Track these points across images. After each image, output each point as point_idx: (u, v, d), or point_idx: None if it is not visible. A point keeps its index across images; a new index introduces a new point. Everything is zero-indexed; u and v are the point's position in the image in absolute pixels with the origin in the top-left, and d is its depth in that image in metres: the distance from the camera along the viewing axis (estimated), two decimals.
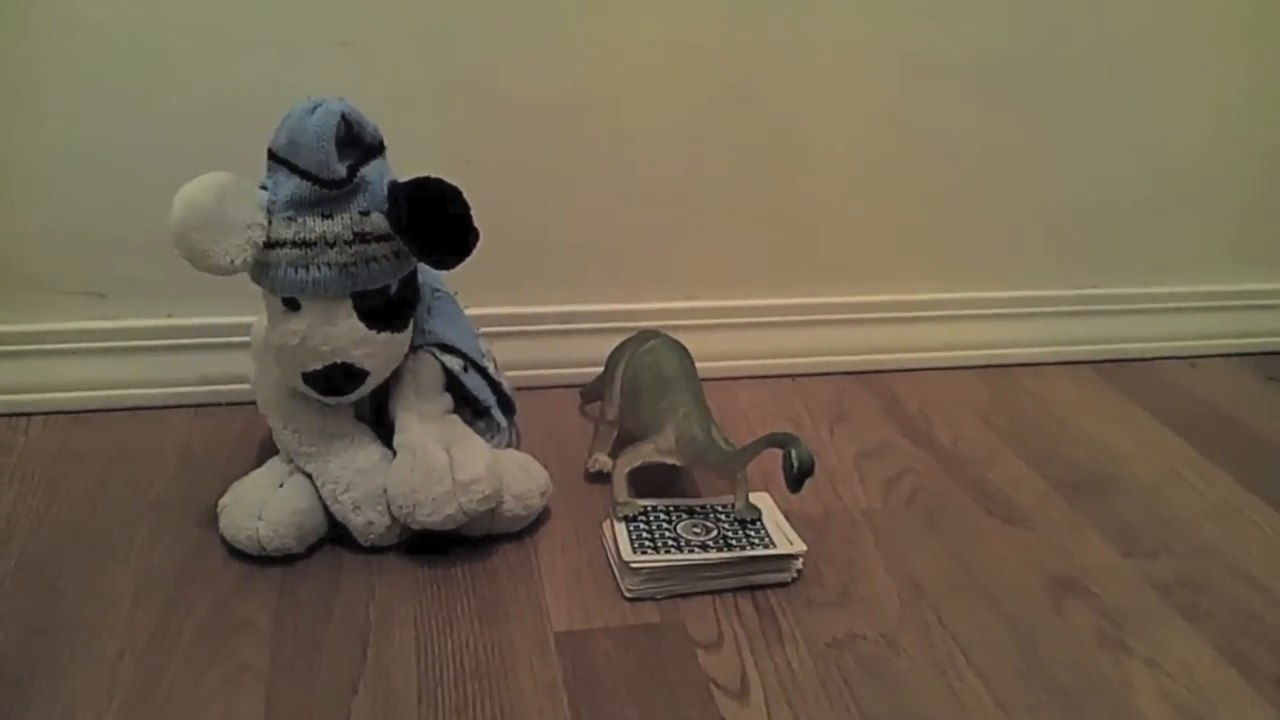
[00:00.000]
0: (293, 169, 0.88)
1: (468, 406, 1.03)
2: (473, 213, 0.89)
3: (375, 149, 0.91)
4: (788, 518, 1.02)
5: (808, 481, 0.90)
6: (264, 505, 0.95)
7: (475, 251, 0.90)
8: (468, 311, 1.08)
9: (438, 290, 1.04)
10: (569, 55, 1.18)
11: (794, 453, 0.90)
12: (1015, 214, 1.40)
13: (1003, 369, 1.44)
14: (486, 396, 1.04)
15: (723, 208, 1.30)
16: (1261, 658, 0.92)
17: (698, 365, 1.06)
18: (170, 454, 1.12)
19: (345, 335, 0.91)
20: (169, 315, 1.19)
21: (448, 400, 1.01)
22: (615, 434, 1.11)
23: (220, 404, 1.21)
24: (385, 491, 0.96)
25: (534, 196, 1.23)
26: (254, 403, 1.02)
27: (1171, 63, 1.35)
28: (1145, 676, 0.89)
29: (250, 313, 1.02)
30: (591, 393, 1.23)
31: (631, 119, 1.23)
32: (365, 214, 0.89)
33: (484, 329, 1.11)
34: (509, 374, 1.11)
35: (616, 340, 1.12)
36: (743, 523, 1.01)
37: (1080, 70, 1.33)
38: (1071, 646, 0.92)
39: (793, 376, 1.38)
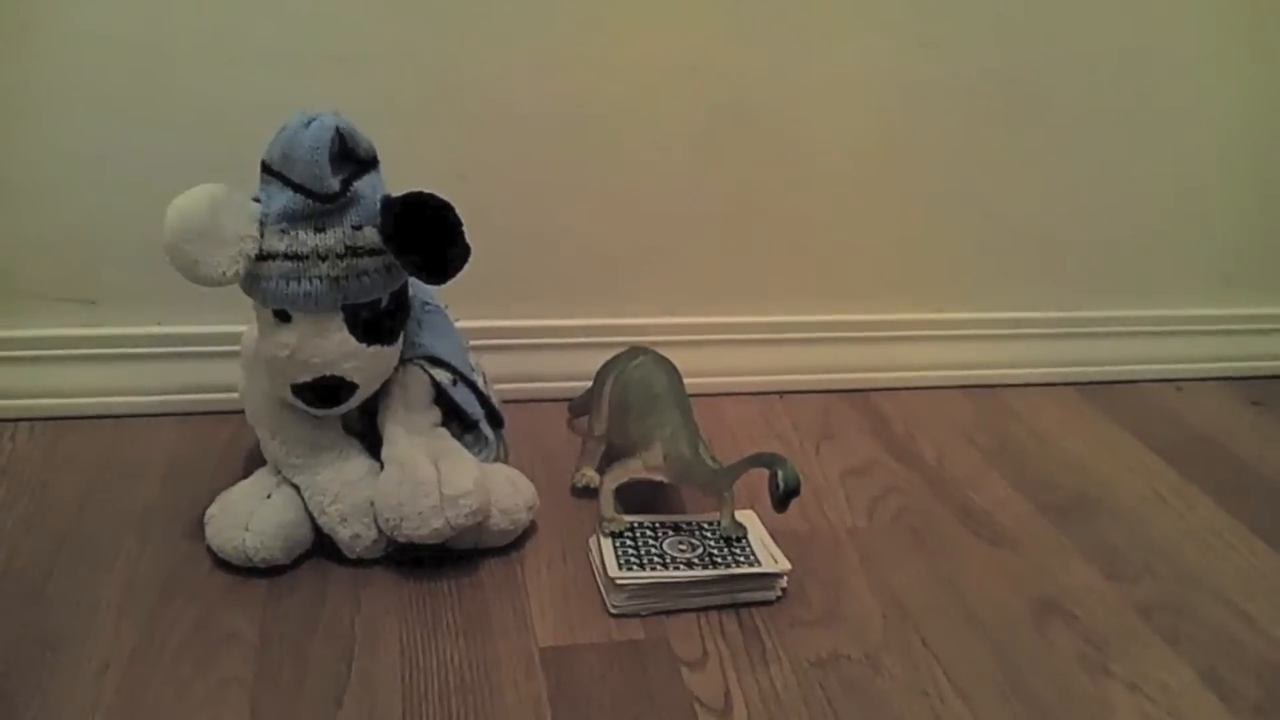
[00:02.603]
0: (286, 182, 0.88)
1: (456, 420, 1.03)
2: (465, 228, 0.89)
3: (369, 163, 0.92)
4: (773, 535, 1.03)
5: (793, 501, 0.90)
6: (251, 516, 0.95)
7: (466, 266, 0.91)
8: (458, 324, 1.08)
9: (428, 304, 1.05)
10: (563, 72, 1.18)
11: (780, 473, 0.90)
12: (1003, 235, 1.40)
13: (989, 389, 1.45)
14: (475, 410, 1.04)
15: (713, 224, 1.30)
16: (1241, 683, 0.92)
17: (686, 381, 1.06)
18: (157, 462, 1.12)
19: (335, 348, 0.91)
20: (158, 323, 1.19)
21: (436, 414, 1.01)
22: (602, 449, 1.12)
23: (208, 413, 1.20)
24: (372, 504, 0.96)
25: (527, 211, 1.23)
26: (241, 412, 1.02)
27: (1161, 88, 1.36)
28: (1126, 699, 0.89)
29: (239, 322, 1.02)
30: (579, 407, 1.23)
31: (624, 136, 1.23)
32: (358, 228, 0.90)
33: (474, 342, 1.11)
34: (498, 387, 1.11)
35: (606, 355, 1.13)
36: (728, 540, 1.01)
37: (1070, 94, 1.34)
38: (1053, 668, 0.92)
39: (780, 394, 1.39)
